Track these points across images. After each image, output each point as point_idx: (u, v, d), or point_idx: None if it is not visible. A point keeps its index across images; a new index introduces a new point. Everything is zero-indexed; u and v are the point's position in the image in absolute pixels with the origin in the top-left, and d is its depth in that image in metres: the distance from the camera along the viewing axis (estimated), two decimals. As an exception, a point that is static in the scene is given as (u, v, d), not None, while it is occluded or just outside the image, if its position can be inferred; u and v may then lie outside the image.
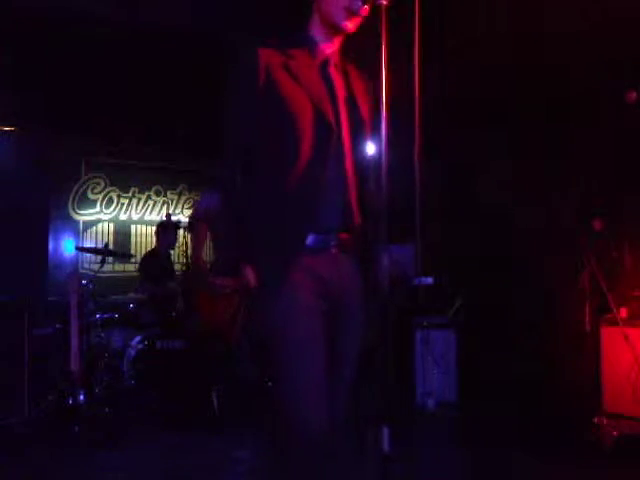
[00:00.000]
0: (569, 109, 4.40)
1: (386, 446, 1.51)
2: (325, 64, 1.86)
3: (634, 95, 3.66)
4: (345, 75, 1.90)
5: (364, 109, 1.86)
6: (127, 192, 6.15)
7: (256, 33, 1.83)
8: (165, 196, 6.42)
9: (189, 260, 4.19)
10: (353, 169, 1.82)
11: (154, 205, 6.34)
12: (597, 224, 3.78)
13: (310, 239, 1.73)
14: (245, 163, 1.82)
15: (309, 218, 1.73)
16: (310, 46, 1.85)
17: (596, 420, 3.63)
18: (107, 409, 3.85)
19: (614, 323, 3.69)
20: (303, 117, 1.73)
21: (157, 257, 5.14)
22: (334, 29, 1.82)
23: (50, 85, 4.75)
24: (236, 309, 3.69)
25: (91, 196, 5.92)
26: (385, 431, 1.51)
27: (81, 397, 3.79)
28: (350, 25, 1.77)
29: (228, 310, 3.69)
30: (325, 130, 1.76)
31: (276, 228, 1.73)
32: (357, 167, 1.82)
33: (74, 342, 3.87)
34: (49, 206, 5.63)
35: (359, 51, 1.86)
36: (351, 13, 1.74)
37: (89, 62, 4.58)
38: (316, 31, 1.86)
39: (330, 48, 1.87)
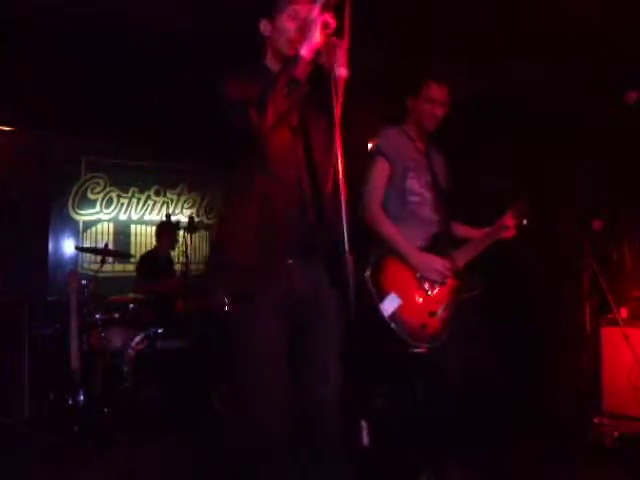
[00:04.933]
0: (569, 109, 4.40)
1: (365, 440, 1.54)
2: None
3: (634, 95, 3.66)
4: (299, 109, 2.01)
5: (317, 140, 1.99)
6: (127, 192, 6.15)
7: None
8: (165, 196, 6.42)
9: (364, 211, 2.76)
10: (310, 189, 1.96)
11: (154, 205, 6.34)
12: (597, 224, 3.78)
13: (272, 250, 1.87)
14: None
15: (270, 234, 1.87)
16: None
17: (596, 420, 3.64)
18: (107, 409, 3.85)
19: (614, 323, 3.69)
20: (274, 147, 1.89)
21: (156, 257, 5.14)
22: (284, 60, 1.93)
23: (50, 85, 4.75)
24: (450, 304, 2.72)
25: (91, 196, 5.92)
26: (363, 425, 1.55)
27: (81, 397, 3.79)
28: (304, 51, 1.82)
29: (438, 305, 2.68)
30: (288, 157, 1.93)
31: (241, 242, 1.88)
32: (314, 189, 1.97)
33: (74, 342, 3.87)
34: (49, 206, 5.63)
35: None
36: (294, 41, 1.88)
37: (89, 62, 4.58)
38: (271, 66, 2.01)
39: None
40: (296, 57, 1.81)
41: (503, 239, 2.88)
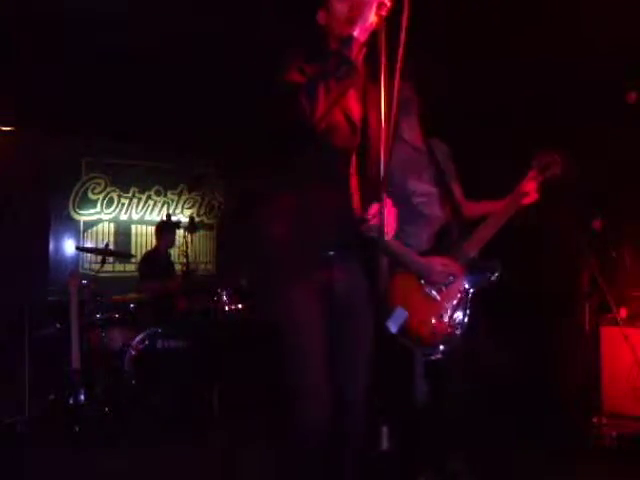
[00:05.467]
0: (569, 108, 4.40)
1: (385, 444, 1.54)
2: None
3: (634, 95, 3.66)
4: (363, 94, 2.01)
5: (374, 126, 1.92)
6: (127, 192, 6.16)
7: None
8: (165, 196, 6.42)
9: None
10: (358, 188, 1.98)
11: (154, 205, 6.35)
12: (597, 224, 3.78)
13: (315, 249, 1.89)
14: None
15: (318, 232, 1.89)
16: None
17: (596, 420, 3.63)
18: (107, 409, 3.86)
19: (614, 323, 3.69)
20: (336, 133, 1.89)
21: (157, 257, 5.14)
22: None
23: (50, 85, 4.75)
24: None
25: (91, 196, 5.93)
26: (384, 429, 1.54)
27: (81, 397, 3.79)
28: (357, 32, 1.75)
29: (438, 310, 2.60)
30: (343, 154, 1.94)
31: (290, 239, 1.88)
32: (363, 186, 1.98)
33: (74, 342, 3.87)
34: (49, 206, 5.64)
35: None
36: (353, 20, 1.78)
37: (89, 62, 4.58)
38: None
39: None
40: (349, 38, 1.75)
41: (525, 206, 2.71)
